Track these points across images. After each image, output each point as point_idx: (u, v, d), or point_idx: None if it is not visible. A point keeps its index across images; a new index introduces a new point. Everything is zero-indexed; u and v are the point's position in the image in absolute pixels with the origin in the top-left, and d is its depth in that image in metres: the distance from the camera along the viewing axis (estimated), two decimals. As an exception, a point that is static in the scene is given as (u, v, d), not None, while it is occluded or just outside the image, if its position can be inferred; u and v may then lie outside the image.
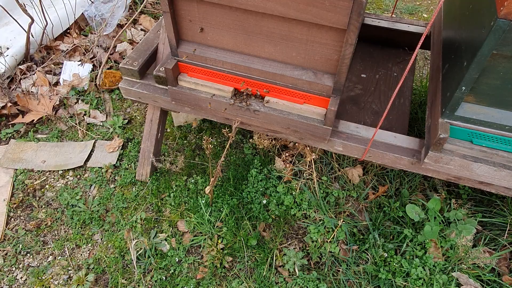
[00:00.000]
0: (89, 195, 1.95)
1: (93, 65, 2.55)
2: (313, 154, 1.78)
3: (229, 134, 1.58)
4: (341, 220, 1.72)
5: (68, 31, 2.70)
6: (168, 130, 2.23)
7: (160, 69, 1.65)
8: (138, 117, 2.32)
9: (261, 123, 1.56)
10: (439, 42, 1.67)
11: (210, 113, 1.67)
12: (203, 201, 1.84)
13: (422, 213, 1.65)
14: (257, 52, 1.40)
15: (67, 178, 2.03)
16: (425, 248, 1.66)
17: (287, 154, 1.95)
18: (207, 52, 1.47)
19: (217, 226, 1.77)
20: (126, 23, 2.71)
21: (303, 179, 1.86)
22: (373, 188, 1.87)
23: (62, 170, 2.05)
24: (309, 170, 1.84)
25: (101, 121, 2.29)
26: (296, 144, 2.02)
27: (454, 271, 1.60)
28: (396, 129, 1.71)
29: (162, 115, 1.90)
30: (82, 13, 2.73)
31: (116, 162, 2.06)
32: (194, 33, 1.44)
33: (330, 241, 1.67)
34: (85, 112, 2.32)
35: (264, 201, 1.84)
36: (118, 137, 2.19)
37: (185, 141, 2.17)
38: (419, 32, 1.99)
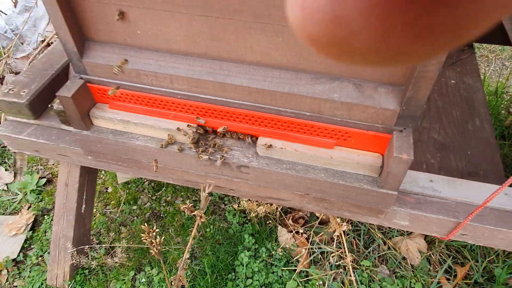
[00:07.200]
0: (-33, 321, 1.14)
1: (3, 100, 1.78)
2: (343, 224, 1.04)
3: (196, 213, 0.83)
4: None
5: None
6: (110, 189, 1.46)
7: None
8: (65, 173, 1.54)
9: (253, 187, 0.82)
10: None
11: (159, 174, 0.92)
12: (162, 320, 1.06)
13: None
14: (238, 52, 0.68)
15: None
16: None
17: (296, 223, 1.21)
18: (138, 60, 0.74)
19: None
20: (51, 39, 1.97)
21: (329, 266, 1.11)
22: (447, 271, 1.14)
23: None
24: (338, 251, 1.10)
25: (6, 183, 1.50)
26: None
27: None
28: (484, 172, 1.00)
29: (85, 174, 1.14)
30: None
31: (19, 254, 1.27)
32: (109, 24, 0.71)
33: None
34: (-19, 171, 1.53)
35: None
36: (28, 208, 1.41)
37: (135, 207, 1.40)
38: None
